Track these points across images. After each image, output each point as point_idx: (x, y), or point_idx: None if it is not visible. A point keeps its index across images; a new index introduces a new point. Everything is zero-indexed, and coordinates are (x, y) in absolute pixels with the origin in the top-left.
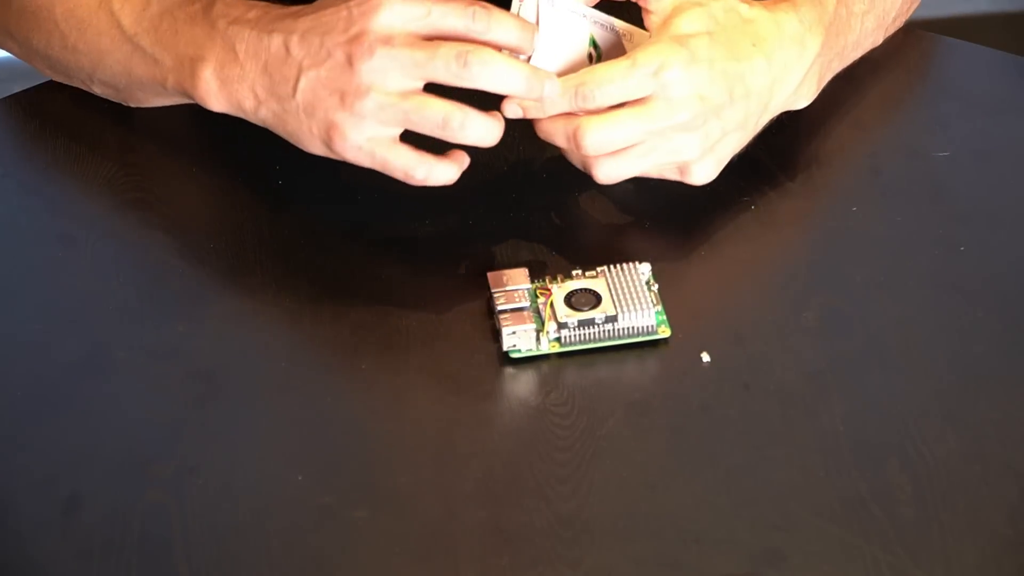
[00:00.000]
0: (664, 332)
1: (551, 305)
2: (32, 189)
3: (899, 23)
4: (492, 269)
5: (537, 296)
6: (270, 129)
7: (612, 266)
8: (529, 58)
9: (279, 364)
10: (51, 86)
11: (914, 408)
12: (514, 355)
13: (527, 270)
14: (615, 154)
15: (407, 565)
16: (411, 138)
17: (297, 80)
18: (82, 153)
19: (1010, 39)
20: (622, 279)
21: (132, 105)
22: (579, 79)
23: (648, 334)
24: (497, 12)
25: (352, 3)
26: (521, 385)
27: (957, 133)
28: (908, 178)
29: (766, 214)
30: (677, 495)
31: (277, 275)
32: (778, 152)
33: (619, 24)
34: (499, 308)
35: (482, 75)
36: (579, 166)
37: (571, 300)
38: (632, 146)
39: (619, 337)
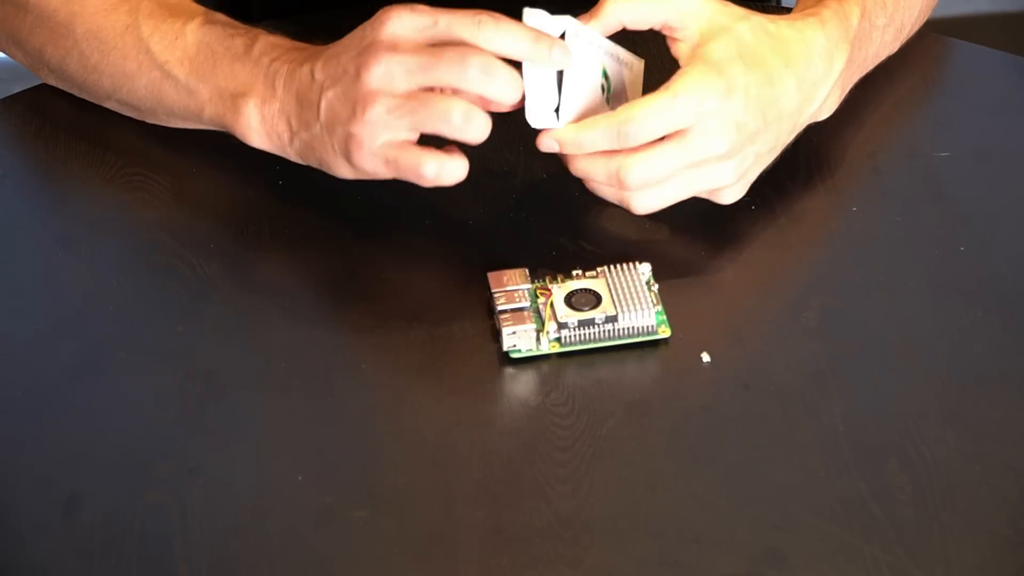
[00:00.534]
0: (664, 332)
1: (551, 305)
2: (32, 189)
3: (912, 33)
4: (492, 269)
5: (537, 296)
6: (305, 163)
7: (612, 266)
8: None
9: (279, 364)
10: (51, 86)
11: (914, 408)
12: (514, 355)
13: (527, 270)
14: (653, 186)
15: (407, 565)
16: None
17: (319, 102)
18: (82, 153)
19: (1010, 39)
20: (622, 279)
21: (150, 122)
22: (619, 118)
23: (648, 334)
24: (505, 21)
25: (367, 23)
26: (521, 385)
27: (957, 133)
28: (908, 178)
29: (766, 214)
30: (677, 495)
31: (277, 275)
32: None
33: (623, 53)
34: (499, 308)
35: (484, 79)
36: (613, 200)
37: (571, 300)
38: (670, 176)
39: (619, 337)
